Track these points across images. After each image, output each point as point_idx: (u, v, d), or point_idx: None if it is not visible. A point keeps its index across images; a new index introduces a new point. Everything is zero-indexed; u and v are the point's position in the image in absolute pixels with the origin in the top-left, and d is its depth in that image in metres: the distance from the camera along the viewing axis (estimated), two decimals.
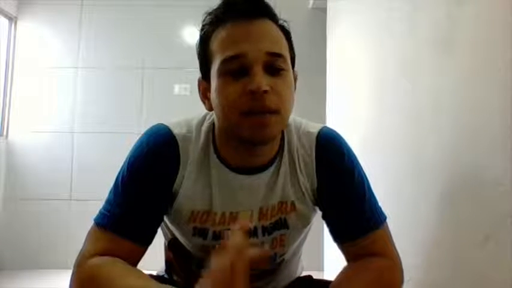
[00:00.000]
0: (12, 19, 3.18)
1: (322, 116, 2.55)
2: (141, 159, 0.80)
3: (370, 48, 1.70)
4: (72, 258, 0.77)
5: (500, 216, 0.74)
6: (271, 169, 0.83)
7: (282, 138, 0.84)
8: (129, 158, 0.82)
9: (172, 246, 0.91)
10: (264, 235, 0.85)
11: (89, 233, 0.79)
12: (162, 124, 0.84)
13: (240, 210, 0.82)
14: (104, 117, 3.14)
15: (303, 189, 0.84)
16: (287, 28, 0.81)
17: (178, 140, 0.81)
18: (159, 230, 0.87)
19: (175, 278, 0.94)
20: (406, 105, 1.23)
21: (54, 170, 3.08)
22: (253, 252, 0.65)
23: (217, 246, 0.67)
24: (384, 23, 1.50)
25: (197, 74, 0.83)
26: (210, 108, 0.80)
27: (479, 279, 0.80)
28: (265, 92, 0.71)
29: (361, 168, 0.87)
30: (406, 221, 1.17)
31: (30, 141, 3.12)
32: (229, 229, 0.82)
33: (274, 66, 0.74)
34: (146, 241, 0.80)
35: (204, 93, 0.82)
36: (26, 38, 3.21)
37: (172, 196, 0.82)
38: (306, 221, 0.87)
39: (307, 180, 0.84)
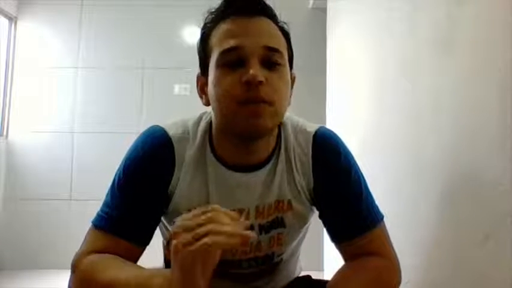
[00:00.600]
0: (12, 19, 3.19)
1: (322, 116, 2.55)
2: (136, 161, 0.81)
3: (370, 48, 1.70)
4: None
5: (500, 216, 0.74)
6: (268, 167, 0.83)
7: (279, 136, 0.85)
8: (125, 161, 0.82)
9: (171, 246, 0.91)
10: (261, 233, 0.85)
11: (87, 234, 0.80)
12: (157, 126, 0.85)
13: (237, 208, 0.83)
14: (104, 117, 3.14)
15: (299, 188, 0.84)
16: (286, 30, 0.82)
17: (173, 141, 0.82)
18: (158, 230, 0.88)
19: None
20: (406, 105, 1.23)
21: (54, 170, 3.08)
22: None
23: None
24: (384, 23, 1.50)
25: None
26: (207, 103, 0.81)
27: (479, 278, 0.81)
28: (260, 82, 0.72)
29: (358, 168, 0.87)
30: (405, 220, 1.17)
31: (30, 141, 3.12)
32: None
33: (270, 61, 0.76)
34: (144, 242, 0.80)
35: (202, 88, 0.83)
36: (26, 38, 3.21)
37: (169, 197, 0.83)
38: (303, 221, 0.88)
39: (303, 179, 0.84)
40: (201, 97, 0.84)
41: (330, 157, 0.84)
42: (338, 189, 0.84)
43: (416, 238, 1.10)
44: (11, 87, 3.18)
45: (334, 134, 0.89)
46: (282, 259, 0.91)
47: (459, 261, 0.89)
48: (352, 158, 0.87)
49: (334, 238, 0.87)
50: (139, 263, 0.79)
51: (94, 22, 3.21)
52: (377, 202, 0.88)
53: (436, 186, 1.01)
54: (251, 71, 0.72)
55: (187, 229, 0.59)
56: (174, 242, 0.60)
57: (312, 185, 0.85)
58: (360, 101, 1.84)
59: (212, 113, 0.82)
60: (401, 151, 1.27)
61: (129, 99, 3.17)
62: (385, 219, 0.86)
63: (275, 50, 0.76)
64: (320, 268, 2.46)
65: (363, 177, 0.87)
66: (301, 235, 0.92)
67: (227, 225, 0.59)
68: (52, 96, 3.17)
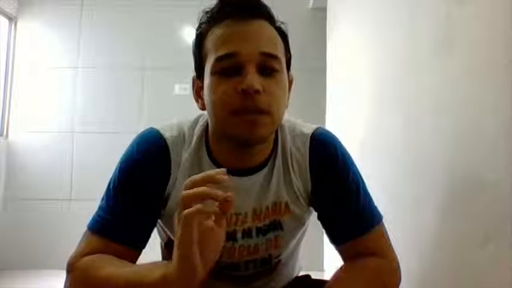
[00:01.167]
0: (12, 19, 3.19)
1: (322, 116, 2.56)
2: (132, 164, 0.80)
3: (370, 48, 1.70)
4: None
5: (501, 217, 0.74)
6: (265, 170, 0.83)
7: (276, 139, 0.84)
8: (120, 164, 0.81)
9: (169, 246, 0.91)
10: (258, 236, 0.85)
11: (82, 238, 0.79)
12: (152, 128, 0.84)
13: (233, 211, 0.82)
14: (104, 117, 3.14)
15: (296, 191, 0.84)
16: (284, 30, 0.80)
17: (169, 143, 0.81)
18: (155, 232, 0.87)
19: None
20: (406, 105, 1.23)
21: (54, 170, 3.09)
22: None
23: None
24: (384, 22, 1.50)
25: None
26: (203, 107, 0.80)
27: (479, 280, 0.80)
28: (257, 91, 0.70)
29: (356, 168, 0.87)
30: (406, 222, 1.17)
31: (30, 141, 3.12)
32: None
33: (267, 67, 0.74)
34: (140, 245, 0.80)
35: (198, 92, 0.82)
36: (26, 38, 3.21)
37: (165, 200, 0.82)
38: (300, 223, 0.87)
39: (300, 182, 0.84)
40: (196, 101, 0.82)
41: (327, 158, 0.83)
42: (336, 190, 0.83)
43: (416, 239, 1.10)
44: (11, 87, 3.18)
45: (332, 135, 0.88)
46: (280, 260, 0.91)
47: (459, 262, 0.89)
48: (350, 158, 0.87)
49: (333, 239, 0.87)
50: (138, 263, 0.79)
51: (94, 22, 3.21)
52: (377, 203, 0.88)
53: (437, 187, 1.01)
54: (248, 80, 0.70)
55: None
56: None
57: (309, 187, 0.84)
58: (360, 101, 1.84)
59: (208, 115, 0.81)
60: (401, 152, 1.27)
61: (129, 99, 3.17)
62: (385, 221, 0.86)
63: (272, 56, 0.74)
64: (320, 268, 2.46)
65: (361, 177, 0.87)
66: (299, 236, 0.92)
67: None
68: (52, 96, 3.17)
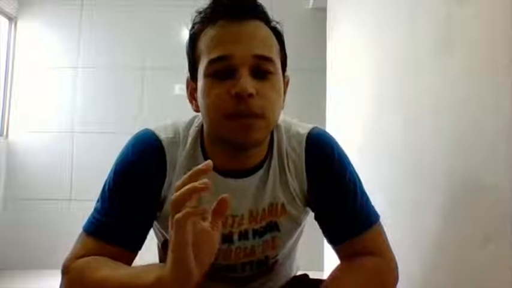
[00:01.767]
0: (12, 19, 3.19)
1: (322, 116, 2.55)
2: (127, 166, 0.80)
3: (370, 48, 1.70)
4: None
5: (501, 218, 0.73)
6: (261, 172, 0.82)
7: (272, 140, 0.83)
8: (116, 165, 0.81)
9: (166, 247, 0.91)
10: (254, 238, 0.84)
11: (77, 239, 0.79)
12: (147, 129, 0.83)
13: (229, 213, 0.82)
14: (104, 117, 3.14)
15: (292, 191, 0.83)
16: (280, 30, 0.79)
17: (164, 145, 0.80)
18: (152, 232, 0.87)
19: None
20: (406, 106, 1.23)
21: (54, 170, 3.09)
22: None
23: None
24: (383, 22, 1.50)
25: None
26: (197, 109, 0.79)
27: (479, 280, 0.80)
28: (251, 95, 0.70)
29: (353, 168, 0.86)
30: (406, 223, 1.17)
31: (30, 141, 3.12)
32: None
33: (261, 69, 0.73)
34: (135, 247, 0.79)
35: (192, 93, 0.81)
36: (26, 38, 3.21)
37: (161, 202, 0.81)
38: (296, 223, 0.87)
39: (296, 182, 0.83)
40: (191, 102, 0.81)
41: (323, 159, 0.83)
42: (332, 190, 0.83)
43: (416, 239, 1.10)
44: (11, 87, 3.18)
45: (328, 135, 0.87)
46: (277, 260, 0.91)
47: (459, 263, 0.89)
48: (346, 158, 0.86)
49: (331, 239, 0.86)
50: (134, 265, 0.79)
51: (94, 22, 3.21)
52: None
53: (437, 188, 1.01)
54: (241, 83, 0.69)
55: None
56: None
57: (305, 187, 0.84)
58: (360, 101, 1.84)
59: (202, 119, 0.80)
60: (401, 152, 1.27)
61: (129, 99, 3.17)
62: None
63: (266, 59, 0.73)
64: (320, 268, 2.46)
65: (358, 177, 0.87)
66: (296, 236, 0.91)
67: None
68: (52, 96, 3.17)
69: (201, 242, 0.61)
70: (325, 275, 0.86)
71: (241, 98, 0.69)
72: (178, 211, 0.58)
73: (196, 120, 0.85)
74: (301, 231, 0.94)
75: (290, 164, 0.83)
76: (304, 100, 2.75)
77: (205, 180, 0.58)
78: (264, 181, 0.82)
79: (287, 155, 0.83)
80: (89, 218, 0.80)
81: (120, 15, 3.21)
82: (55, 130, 3.14)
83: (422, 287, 1.05)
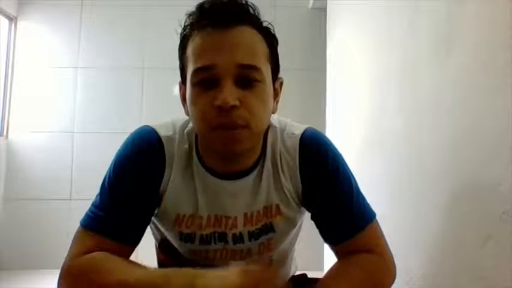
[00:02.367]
0: (12, 19, 3.18)
1: (322, 116, 2.55)
2: (126, 161, 0.80)
3: (370, 48, 1.70)
4: None
5: (501, 216, 0.74)
6: (254, 173, 0.82)
7: (265, 141, 0.83)
8: (115, 160, 0.81)
9: (163, 247, 0.91)
10: (250, 240, 0.84)
11: (75, 235, 0.78)
12: (147, 126, 0.84)
13: (224, 214, 0.82)
14: (104, 117, 3.14)
15: (286, 192, 0.83)
16: (272, 31, 0.78)
17: (163, 141, 0.81)
18: (149, 231, 0.87)
19: None
20: (406, 106, 1.23)
21: (54, 170, 3.08)
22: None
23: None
24: (384, 23, 1.50)
25: None
26: (188, 114, 0.80)
27: (479, 278, 0.80)
28: (233, 107, 0.69)
29: (347, 168, 0.86)
30: (406, 221, 1.17)
31: (30, 141, 3.12)
32: (215, 232, 0.82)
33: (246, 78, 0.72)
34: (134, 242, 0.79)
35: (184, 97, 0.81)
36: (26, 38, 3.21)
37: (160, 197, 0.81)
38: (291, 224, 0.87)
39: (290, 183, 0.83)
40: (183, 105, 0.82)
41: (316, 159, 0.82)
42: (327, 190, 0.83)
43: (417, 239, 1.10)
44: (11, 87, 3.18)
45: (322, 135, 0.87)
46: (272, 260, 0.90)
47: (460, 261, 0.89)
48: (340, 157, 0.86)
49: (327, 239, 0.87)
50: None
51: (94, 22, 3.21)
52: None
53: (437, 187, 1.01)
54: (223, 95, 0.69)
55: None
56: None
57: (300, 188, 0.83)
58: (360, 101, 1.84)
59: None
60: (401, 152, 1.27)
61: (129, 99, 3.17)
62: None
63: (251, 67, 0.72)
64: (320, 268, 2.46)
65: (353, 176, 0.87)
66: (291, 237, 0.92)
67: None
68: (52, 96, 3.17)
69: None
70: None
71: (224, 110, 0.69)
72: None
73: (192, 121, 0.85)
74: (298, 232, 0.94)
75: (284, 165, 0.83)
76: (304, 100, 2.75)
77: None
78: (258, 182, 0.82)
79: (281, 156, 0.83)
80: (87, 213, 0.80)
81: (120, 15, 3.20)
82: (55, 130, 3.13)
83: (422, 287, 1.05)
